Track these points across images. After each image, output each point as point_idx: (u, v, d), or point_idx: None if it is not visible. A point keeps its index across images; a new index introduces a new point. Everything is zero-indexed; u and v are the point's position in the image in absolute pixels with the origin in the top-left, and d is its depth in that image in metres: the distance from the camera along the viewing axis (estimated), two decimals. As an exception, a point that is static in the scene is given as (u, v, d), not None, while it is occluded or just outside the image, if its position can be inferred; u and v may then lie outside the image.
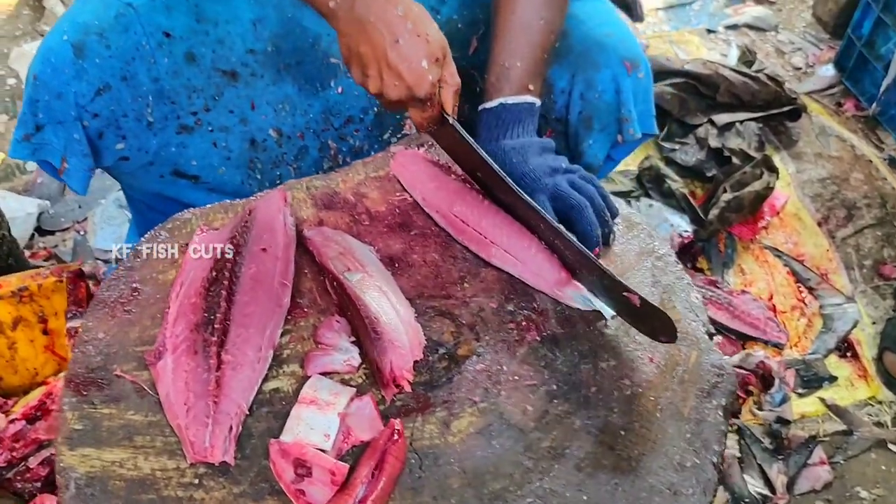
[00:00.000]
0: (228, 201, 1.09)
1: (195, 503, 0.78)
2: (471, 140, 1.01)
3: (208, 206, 1.08)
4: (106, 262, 1.82)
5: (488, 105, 1.11)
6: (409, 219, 1.07)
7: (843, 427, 1.59)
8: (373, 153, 1.42)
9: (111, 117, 1.13)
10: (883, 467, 1.55)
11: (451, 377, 0.89)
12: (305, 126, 1.32)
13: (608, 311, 0.97)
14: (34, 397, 1.25)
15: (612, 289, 0.94)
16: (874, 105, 2.32)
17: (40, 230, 1.97)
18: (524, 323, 0.96)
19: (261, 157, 1.31)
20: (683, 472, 0.85)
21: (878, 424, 1.61)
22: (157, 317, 0.93)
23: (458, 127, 1.01)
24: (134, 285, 0.97)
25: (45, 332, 1.25)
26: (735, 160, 2.02)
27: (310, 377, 0.86)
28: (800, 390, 1.64)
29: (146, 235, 1.04)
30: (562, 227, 0.97)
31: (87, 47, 1.09)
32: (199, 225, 1.04)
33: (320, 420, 0.82)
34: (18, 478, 1.18)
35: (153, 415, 0.85)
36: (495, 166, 1.00)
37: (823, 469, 1.51)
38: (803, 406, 1.62)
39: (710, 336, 1.01)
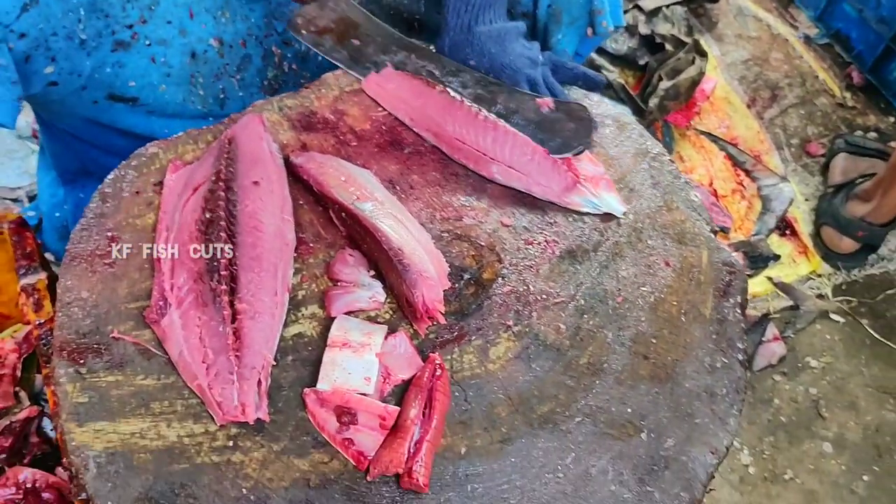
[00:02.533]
0: (195, 129, 0.97)
1: (234, 467, 0.72)
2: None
3: (174, 136, 0.96)
4: (15, 200, 1.64)
5: None
6: (399, 136, 1.00)
7: (790, 303, 1.67)
8: (320, 58, 1.31)
9: (40, 37, 0.98)
10: (828, 336, 1.64)
11: (481, 303, 0.85)
12: (247, 32, 1.20)
13: (619, 209, 0.96)
14: (-21, 362, 1.13)
15: (522, 108, 0.96)
16: (787, -18, 2.35)
17: (-75, 170, 1.74)
18: (541, 238, 0.92)
19: (202, 69, 1.19)
20: (715, 374, 0.85)
21: (821, 297, 1.70)
22: (146, 268, 0.83)
23: None
24: (109, 234, 0.86)
25: (-16, 289, 1.11)
26: (668, 46, 2.00)
27: (334, 318, 0.80)
28: (748, 271, 1.70)
29: (111, 176, 0.91)
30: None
31: None
32: (171, 159, 0.93)
33: (357, 363, 0.76)
34: (-21, 451, 1.07)
35: (166, 377, 0.77)
36: (380, 22, 1.02)
37: (777, 344, 1.59)
38: (753, 286, 1.69)
39: (714, 233, 1.01)
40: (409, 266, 0.80)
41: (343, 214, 0.86)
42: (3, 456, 1.08)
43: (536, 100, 0.94)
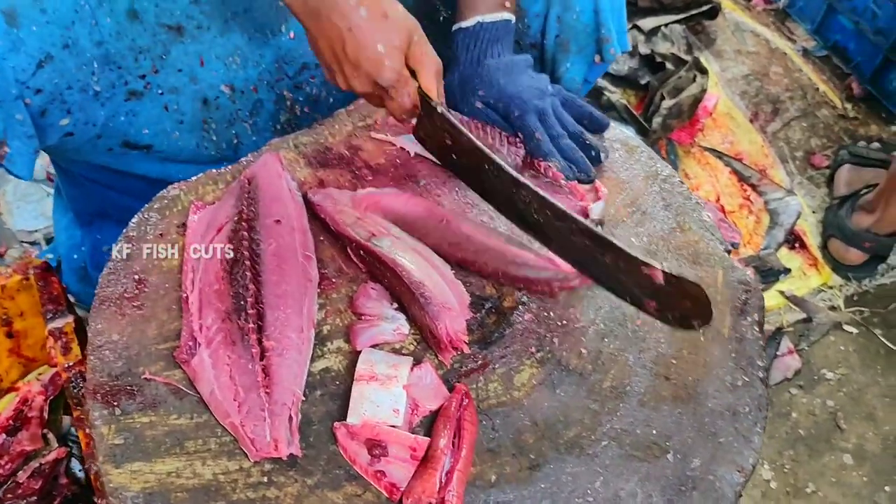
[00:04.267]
0: (215, 171, 1.00)
1: (270, 502, 0.73)
2: (461, 126, 0.90)
3: (194, 178, 0.98)
4: (32, 244, 1.66)
5: (464, 24, 1.06)
6: (414, 168, 1.02)
7: (802, 315, 1.68)
8: (332, 100, 1.34)
9: (55, 91, 1.00)
10: (842, 347, 1.65)
11: (503, 331, 0.86)
12: (258, 78, 1.22)
13: None
14: (6, 406, 1.14)
15: (627, 271, 0.80)
16: (782, -3, 2.38)
17: (-58, 216, 1.77)
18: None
19: (214, 116, 1.21)
20: (736, 392, 0.86)
21: (833, 308, 1.71)
22: (174, 308, 0.85)
23: (448, 113, 0.91)
24: (136, 276, 0.88)
25: (10, 334, 1.13)
26: (668, 65, 2.03)
27: (360, 351, 0.82)
28: (760, 286, 1.71)
29: (135, 220, 0.93)
30: (566, 209, 0.83)
31: (20, 14, 0.95)
32: (192, 200, 0.95)
33: (385, 396, 0.77)
34: (10, 495, 1.09)
35: (198, 416, 0.78)
36: (487, 151, 0.88)
37: (792, 358, 1.60)
38: (765, 300, 1.69)
39: (728, 252, 1.02)
40: (431, 298, 0.82)
41: (361, 252, 0.88)
42: (34, 498, 1.10)
43: (646, 271, 0.79)
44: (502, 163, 0.86)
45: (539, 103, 1.03)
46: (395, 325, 0.84)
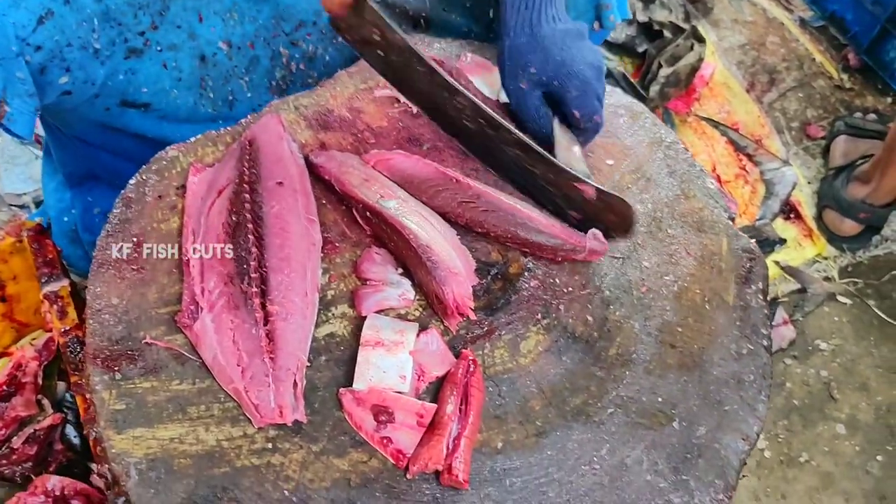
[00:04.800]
0: (214, 132, 0.97)
1: (275, 468, 0.72)
2: (393, 25, 0.86)
3: (192, 139, 0.96)
4: (21, 207, 1.63)
5: None
6: (416, 132, 1.00)
7: (797, 286, 1.68)
8: (328, 58, 1.31)
9: (55, 48, 0.97)
10: (836, 318, 1.66)
11: (509, 298, 0.85)
12: (255, 34, 1.20)
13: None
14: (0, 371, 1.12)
15: (557, 184, 0.87)
16: (781, -34, 2.36)
17: (-72, 179, 1.73)
18: (564, 231, 0.92)
19: (211, 73, 1.19)
20: (742, 361, 0.86)
21: (827, 279, 1.71)
22: (174, 272, 0.83)
23: (380, 11, 0.86)
24: (135, 239, 0.86)
25: (3, 298, 1.11)
26: (666, 33, 2.01)
27: (365, 317, 0.80)
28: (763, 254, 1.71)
29: (132, 181, 0.91)
30: (510, 127, 0.87)
31: None
32: (191, 162, 0.93)
33: (392, 362, 0.76)
34: (4, 461, 1.07)
35: (201, 381, 0.77)
36: (422, 53, 0.86)
37: (787, 328, 1.60)
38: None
39: (732, 220, 1.01)
40: (438, 263, 0.80)
41: (367, 213, 0.86)
42: (29, 464, 1.08)
43: (577, 185, 0.86)
44: (437, 67, 0.86)
45: (598, 86, 0.96)
46: (400, 291, 0.83)
